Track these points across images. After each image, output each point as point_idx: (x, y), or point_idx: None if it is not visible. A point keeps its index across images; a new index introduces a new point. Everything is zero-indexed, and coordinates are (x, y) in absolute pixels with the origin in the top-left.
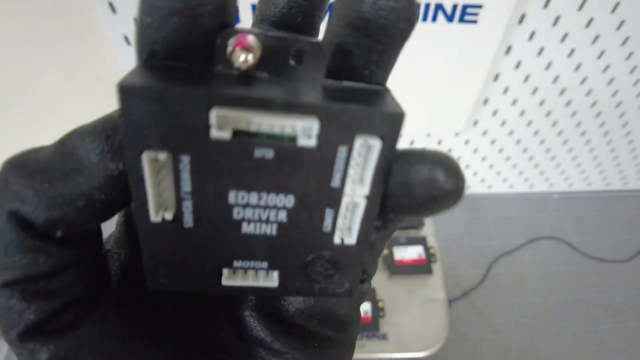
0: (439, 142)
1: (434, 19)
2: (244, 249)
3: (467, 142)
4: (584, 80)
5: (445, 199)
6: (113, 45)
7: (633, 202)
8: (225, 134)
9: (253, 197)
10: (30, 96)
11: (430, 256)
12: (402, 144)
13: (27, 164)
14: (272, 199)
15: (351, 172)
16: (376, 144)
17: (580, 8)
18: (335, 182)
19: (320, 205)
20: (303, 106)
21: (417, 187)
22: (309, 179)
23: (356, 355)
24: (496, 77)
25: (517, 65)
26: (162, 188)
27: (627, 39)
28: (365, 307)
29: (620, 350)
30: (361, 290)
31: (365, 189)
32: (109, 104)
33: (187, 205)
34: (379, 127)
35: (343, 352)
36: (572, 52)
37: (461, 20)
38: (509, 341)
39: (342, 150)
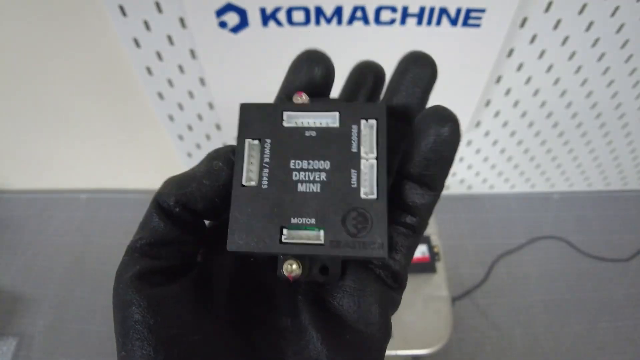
0: None
1: (438, 22)
2: (299, 205)
3: (469, 142)
4: (584, 82)
5: (445, 143)
6: (123, 47)
7: (633, 202)
8: (290, 124)
9: (304, 163)
10: (40, 98)
11: (434, 255)
12: None
13: (177, 177)
14: (316, 164)
15: (363, 142)
16: (373, 123)
17: (581, 12)
18: (354, 148)
19: (347, 166)
20: (330, 107)
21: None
22: (337, 148)
23: None
24: (498, 80)
25: (519, 67)
26: (251, 166)
27: (626, 42)
28: None
29: (621, 348)
30: (395, 299)
31: (373, 153)
32: (119, 104)
33: (266, 172)
34: (372, 113)
35: (373, 352)
36: (572, 54)
37: (465, 24)
38: (510, 339)
39: (354, 128)
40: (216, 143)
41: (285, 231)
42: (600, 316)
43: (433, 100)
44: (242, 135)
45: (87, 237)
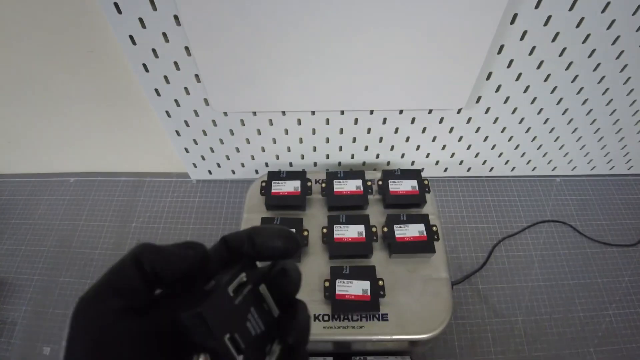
0: (441, 121)
1: None
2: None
3: (469, 120)
4: (592, 54)
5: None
6: (119, 45)
7: (638, 186)
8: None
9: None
10: (27, 81)
11: (432, 234)
12: (405, 120)
13: (156, 248)
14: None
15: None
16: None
17: None
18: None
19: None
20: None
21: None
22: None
23: (355, 336)
24: (500, 50)
25: (522, 36)
26: None
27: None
28: (365, 286)
29: (627, 336)
30: None
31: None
32: (120, 102)
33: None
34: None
35: None
36: (580, 21)
37: None
38: (512, 325)
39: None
40: (204, 117)
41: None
42: (606, 303)
43: (433, 72)
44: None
45: (75, 221)
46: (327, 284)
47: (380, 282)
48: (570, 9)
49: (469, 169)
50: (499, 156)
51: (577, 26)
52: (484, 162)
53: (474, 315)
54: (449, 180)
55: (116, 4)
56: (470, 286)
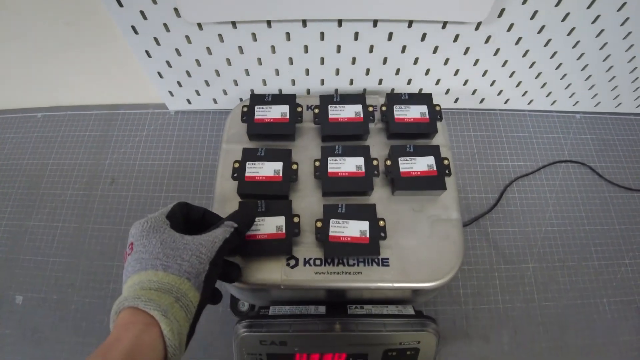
0: (456, 38)
1: None
2: None
3: (488, 39)
4: None
5: None
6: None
7: None
8: None
9: None
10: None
11: (444, 168)
12: (414, 36)
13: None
14: None
15: None
16: None
17: None
18: None
19: None
20: None
21: None
22: None
23: (352, 283)
24: None
25: None
26: None
27: None
28: (363, 227)
29: None
30: None
31: None
32: (125, 92)
33: None
34: None
35: None
36: None
37: None
38: (523, 273)
39: None
40: (176, 32)
41: None
42: (623, 252)
43: None
44: None
45: (44, 160)
46: (319, 224)
47: (381, 223)
48: None
49: (482, 100)
50: (517, 85)
51: None
52: (500, 92)
53: (482, 260)
54: (460, 113)
55: None
56: (478, 229)
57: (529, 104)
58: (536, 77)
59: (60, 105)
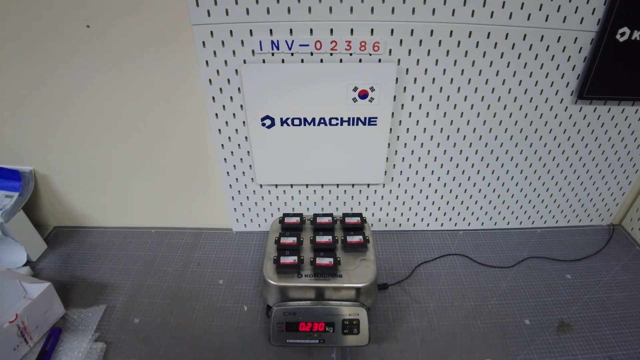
0: (366, 188)
1: (357, 124)
2: None
3: (390, 191)
4: (473, 121)
5: None
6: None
7: (509, 235)
8: None
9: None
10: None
11: (366, 240)
12: (336, 195)
13: None
14: None
15: None
16: None
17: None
18: None
19: None
20: None
21: None
22: None
23: (325, 284)
24: (398, 138)
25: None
26: None
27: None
28: (331, 260)
29: (506, 321)
30: None
31: None
32: (196, 178)
33: None
34: None
35: None
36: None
37: (368, 124)
38: (427, 308)
39: None
40: (250, 188)
41: None
42: (489, 298)
43: (363, 152)
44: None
45: (155, 253)
46: (311, 259)
47: (339, 259)
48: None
49: (400, 225)
50: (415, 216)
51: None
52: (408, 220)
53: (402, 301)
54: (387, 233)
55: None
56: (400, 288)
57: (427, 226)
58: (423, 210)
59: (166, 227)
